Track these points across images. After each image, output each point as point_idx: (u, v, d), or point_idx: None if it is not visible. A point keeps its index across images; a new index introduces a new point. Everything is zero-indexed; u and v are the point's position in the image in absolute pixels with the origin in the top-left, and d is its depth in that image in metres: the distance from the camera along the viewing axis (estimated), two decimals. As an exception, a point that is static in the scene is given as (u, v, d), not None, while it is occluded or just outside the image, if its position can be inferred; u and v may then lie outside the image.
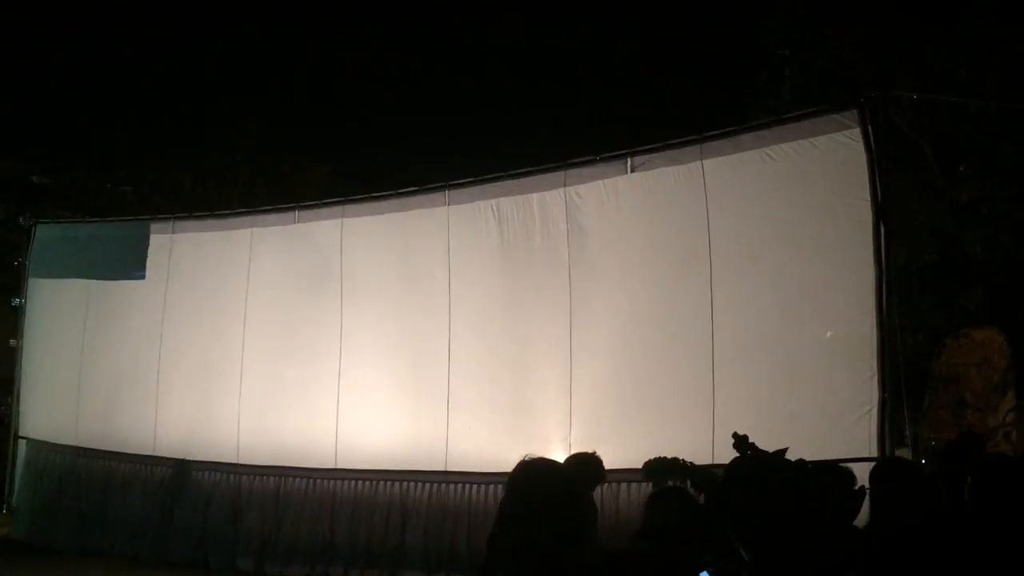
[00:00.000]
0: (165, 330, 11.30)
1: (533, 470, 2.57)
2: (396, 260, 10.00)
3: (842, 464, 4.17)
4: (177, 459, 10.68)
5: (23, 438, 12.36)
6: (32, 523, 11.75)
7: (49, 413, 12.18)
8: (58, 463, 11.73)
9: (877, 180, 7.17)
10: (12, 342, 17.21)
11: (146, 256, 11.65)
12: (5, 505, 12.35)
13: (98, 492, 11.22)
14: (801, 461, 3.94)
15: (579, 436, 7.95)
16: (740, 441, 3.07)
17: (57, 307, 12.45)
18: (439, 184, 9.86)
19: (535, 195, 9.12)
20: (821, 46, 15.35)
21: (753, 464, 2.77)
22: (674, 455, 7.41)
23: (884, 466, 4.09)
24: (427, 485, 9.21)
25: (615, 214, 8.64)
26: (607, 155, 8.78)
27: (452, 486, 9.03)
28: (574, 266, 8.77)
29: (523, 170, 9.35)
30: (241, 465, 10.32)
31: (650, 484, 6.76)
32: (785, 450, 3.61)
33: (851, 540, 3.54)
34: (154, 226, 11.96)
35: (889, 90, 8.25)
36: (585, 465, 5.40)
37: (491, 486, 8.53)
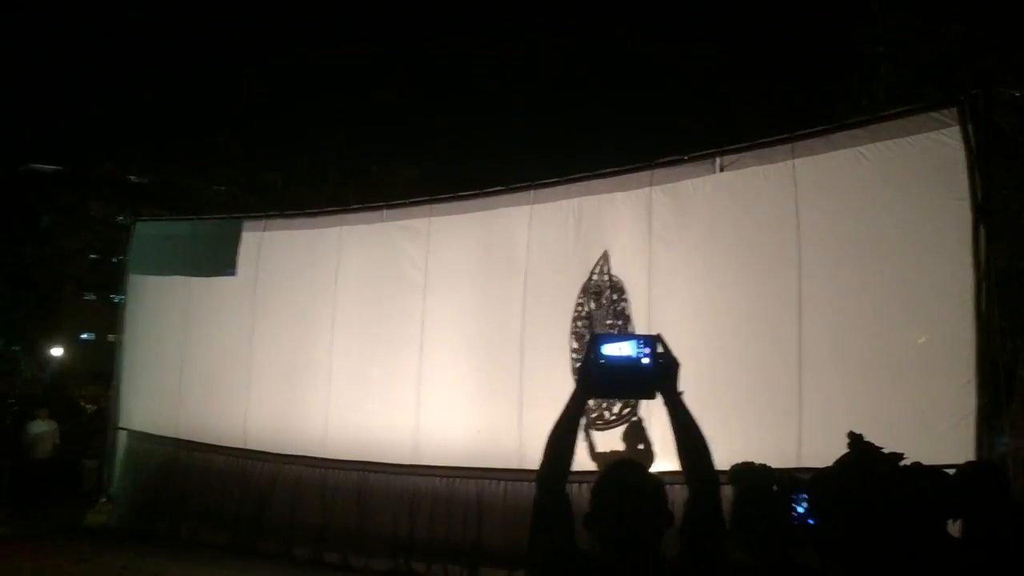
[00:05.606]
0: (256, 325, 11.56)
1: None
2: (479, 259, 10.06)
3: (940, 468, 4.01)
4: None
5: (123, 429, 12.75)
6: (130, 512, 12.11)
7: (150, 406, 12.54)
8: (158, 454, 12.09)
9: (976, 180, 6.90)
10: (111, 337, 17.81)
11: (237, 253, 11.93)
12: (105, 494, 12.75)
13: (195, 483, 11.55)
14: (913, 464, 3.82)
15: (657, 437, 7.82)
16: (856, 440, 3.03)
17: (157, 303, 12.79)
18: (524, 184, 9.86)
19: (619, 194, 9.06)
20: (918, 43, 14.89)
21: (861, 461, 2.73)
22: (759, 459, 7.25)
23: (973, 473, 3.94)
24: (502, 483, 9.23)
25: (702, 213, 8.52)
26: (695, 154, 8.65)
27: (526, 484, 8.98)
28: (655, 265, 8.68)
29: (609, 169, 9.28)
30: (327, 460, 10.47)
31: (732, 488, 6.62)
32: (901, 455, 3.51)
33: (943, 548, 3.42)
34: (246, 224, 12.24)
35: (990, 87, 7.94)
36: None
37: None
